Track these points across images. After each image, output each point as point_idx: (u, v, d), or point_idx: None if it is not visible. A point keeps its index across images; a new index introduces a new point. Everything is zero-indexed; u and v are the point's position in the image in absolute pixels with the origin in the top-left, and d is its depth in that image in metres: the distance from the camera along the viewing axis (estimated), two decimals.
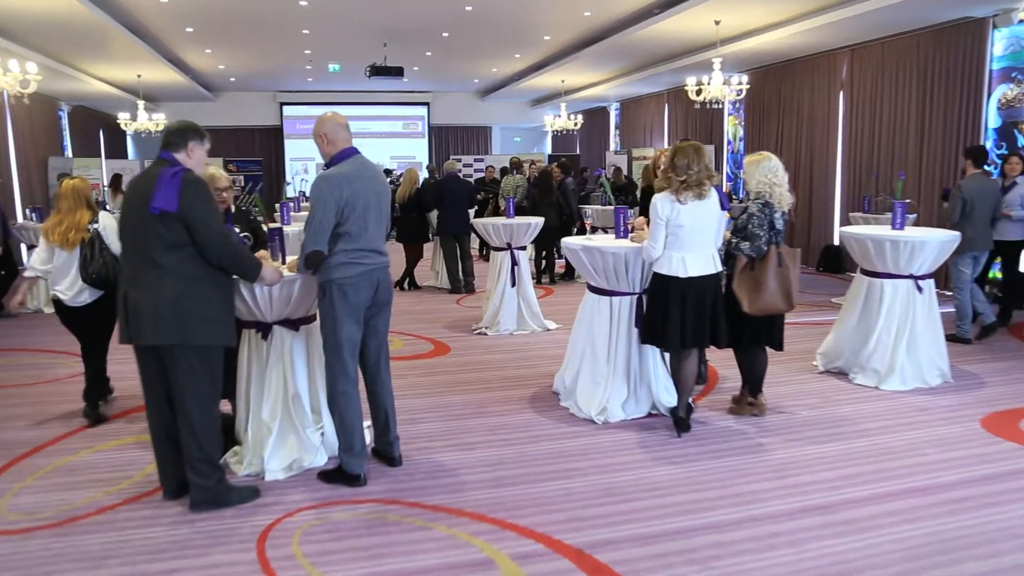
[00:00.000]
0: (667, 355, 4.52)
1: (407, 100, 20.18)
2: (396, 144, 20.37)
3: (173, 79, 14.48)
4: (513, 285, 6.96)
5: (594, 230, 10.33)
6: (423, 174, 17.74)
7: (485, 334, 7.00)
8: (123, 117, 13.80)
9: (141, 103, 13.68)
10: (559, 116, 16.27)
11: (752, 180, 4.38)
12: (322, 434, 3.96)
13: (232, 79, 16.88)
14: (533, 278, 7.88)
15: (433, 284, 9.97)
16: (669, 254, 4.10)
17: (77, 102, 15.49)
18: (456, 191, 9.20)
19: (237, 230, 4.23)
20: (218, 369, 3.34)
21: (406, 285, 9.77)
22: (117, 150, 18.75)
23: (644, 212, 10.04)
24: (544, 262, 10.12)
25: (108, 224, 4.45)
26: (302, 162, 19.87)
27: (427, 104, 20.41)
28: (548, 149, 23.16)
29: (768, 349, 4.51)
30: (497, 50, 13.66)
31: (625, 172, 16.12)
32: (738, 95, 9.86)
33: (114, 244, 4.35)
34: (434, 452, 4.10)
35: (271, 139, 20.04)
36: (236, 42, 12.47)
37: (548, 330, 7.14)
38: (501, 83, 17.93)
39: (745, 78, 9.70)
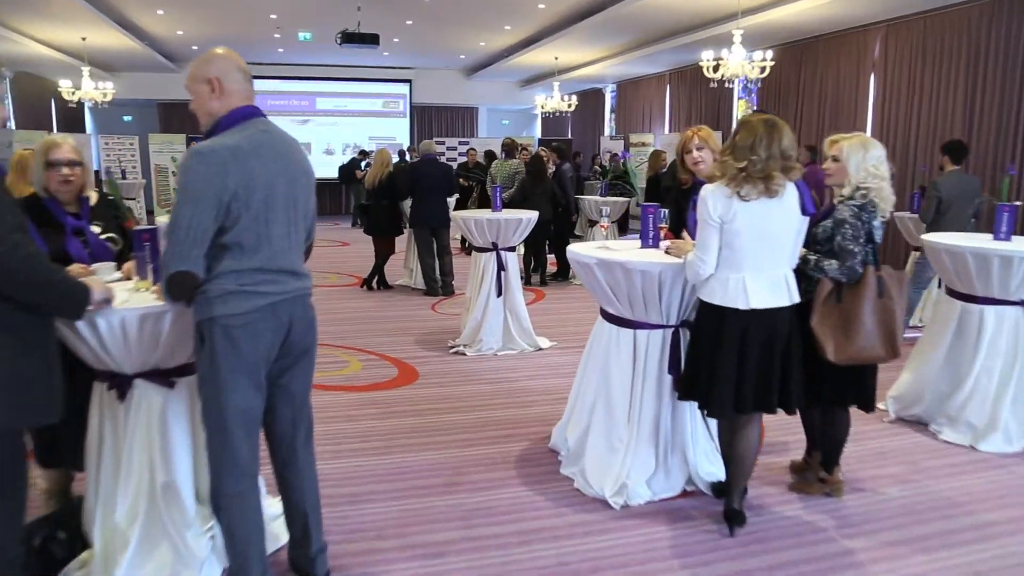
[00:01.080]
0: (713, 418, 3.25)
1: (387, 76, 18.74)
2: (375, 124, 18.94)
3: (125, 45, 12.98)
4: (499, 295, 5.67)
5: (593, 224, 9.06)
6: (397, 157, 16.47)
7: (464, 354, 5.72)
8: (65, 85, 12.30)
9: (86, 70, 12.19)
10: (551, 97, 14.93)
11: (851, 170, 3.10)
12: (212, 538, 2.66)
13: (194, 47, 15.35)
14: (521, 278, 6.65)
15: (406, 283, 8.67)
16: (724, 275, 2.84)
17: (19, 68, 13.96)
18: (433, 176, 7.89)
19: (97, 231, 2.91)
20: (6, 460, 2.03)
21: (375, 284, 8.46)
22: (74, 123, 17.19)
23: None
24: (534, 260, 8.85)
25: None
26: None
27: (409, 82, 18.98)
28: (538, 133, 21.82)
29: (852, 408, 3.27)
30: (485, 20, 12.28)
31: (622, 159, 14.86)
32: (761, 73, 8.60)
33: None
34: (382, 562, 2.82)
35: None
36: (192, 2, 11.02)
37: (540, 349, 5.87)
38: (489, 59, 16.53)
39: (770, 54, 8.45)
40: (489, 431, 4.16)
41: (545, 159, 8.91)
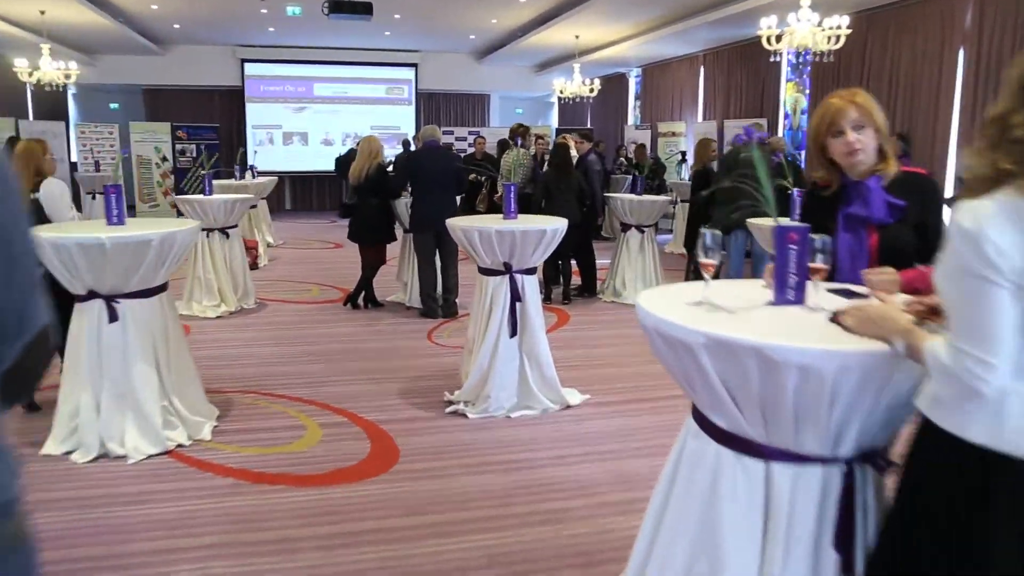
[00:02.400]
0: None
1: (391, 60, 17.19)
2: (378, 112, 17.42)
3: (93, 21, 11.52)
4: (514, 334, 4.14)
5: (625, 228, 7.50)
6: (390, 148, 14.89)
7: (465, 415, 4.20)
8: (20, 65, 10.86)
9: (46, 47, 10.75)
10: (571, 81, 13.35)
11: None
12: None
13: (176, 26, 13.90)
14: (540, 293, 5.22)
15: (399, 300, 7.16)
16: (1017, 388, 1.30)
17: None
18: (436, 168, 6.38)
19: None
20: None
21: (361, 302, 6.96)
22: (55, 110, 15.73)
23: (695, 217, 7.26)
24: (555, 270, 7.32)
25: (52, 192, 4.03)
26: (265, 130, 16.92)
27: (415, 66, 17.43)
28: (554, 122, 20.23)
29: None
30: None
31: (650, 151, 13.29)
32: (835, 43, 7.00)
33: (60, 214, 4.00)
34: None
35: (232, 102, 17.06)
36: None
37: (569, 407, 4.35)
38: (502, 40, 14.96)
39: (846, 20, 6.85)
40: (506, 572, 2.64)
41: (573, 148, 7.37)
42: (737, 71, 12.30)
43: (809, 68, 10.66)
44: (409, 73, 17.49)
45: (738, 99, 12.32)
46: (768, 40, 7.30)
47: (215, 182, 9.12)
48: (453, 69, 17.76)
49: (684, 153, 13.37)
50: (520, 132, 7.55)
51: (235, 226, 6.86)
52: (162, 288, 3.79)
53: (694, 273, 7.75)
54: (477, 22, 13.29)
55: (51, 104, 15.66)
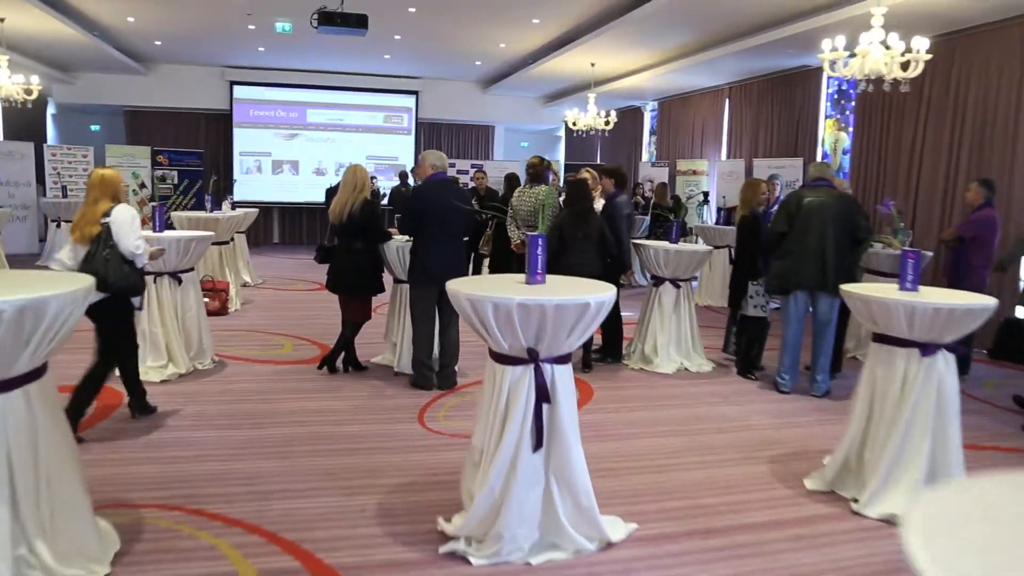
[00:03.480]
0: None
1: (390, 87, 16.18)
2: (375, 141, 16.37)
3: (61, 32, 10.47)
4: (538, 447, 2.92)
5: (658, 282, 6.32)
6: (387, 180, 13.83)
7: (467, 559, 2.96)
8: None
9: (4, 58, 9.65)
10: (585, 112, 12.29)
11: None
12: None
13: (157, 43, 12.86)
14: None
15: (387, 363, 5.95)
16: None
17: None
18: (446, 208, 5.19)
19: None
20: None
21: (340, 365, 5.75)
22: (32, 130, 14.55)
23: (741, 271, 6.10)
24: None
25: (120, 218, 4.05)
26: (254, 157, 15.82)
27: (415, 93, 16.42)
28: (561, 157, 19.21)
29: None
30: (509, 9, 9.70)
31: (671, 190, 12.20)
32: (909, 69, 5.90)
33: (126, 240, 4.02)
34: None
35: (219, 127, 15.99)
36: None
37: (611, 545, 3.12)
38: (510, 67, 13.95)
39: (925, 44, 5.77)
40: None
41: (592, 185, 6.23)
42: (767, 105, 11.25)
43: (853, 104, 9.60)
44: (409, 101, 16.47)
45: (768, 136, 11.26)
46: (836, 64, 6.19)
47: (181, 215, 7.99)
48: (456, 98, 16.76)
49: (707, 194, 12.28)
50: (546, 166, 6.38)
51: (190, 270, 5.66)
52: (29, 377, 2.58)
53: (735, 343, 6.58)
54: (484, 46, 12.28)
55: (26, 123, 14.55)
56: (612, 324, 6.32)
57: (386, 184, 15.27)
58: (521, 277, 3.30)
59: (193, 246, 5.52)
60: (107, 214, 4.04)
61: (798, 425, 4.93)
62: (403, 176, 13.93)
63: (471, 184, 9.85)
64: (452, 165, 16.19)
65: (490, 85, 16.18)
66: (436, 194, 5.22)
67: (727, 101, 12.43)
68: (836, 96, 10.03)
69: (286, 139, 15.92)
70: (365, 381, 5.54)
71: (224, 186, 14.46)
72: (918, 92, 8.43)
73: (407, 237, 5.48)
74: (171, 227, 7.85)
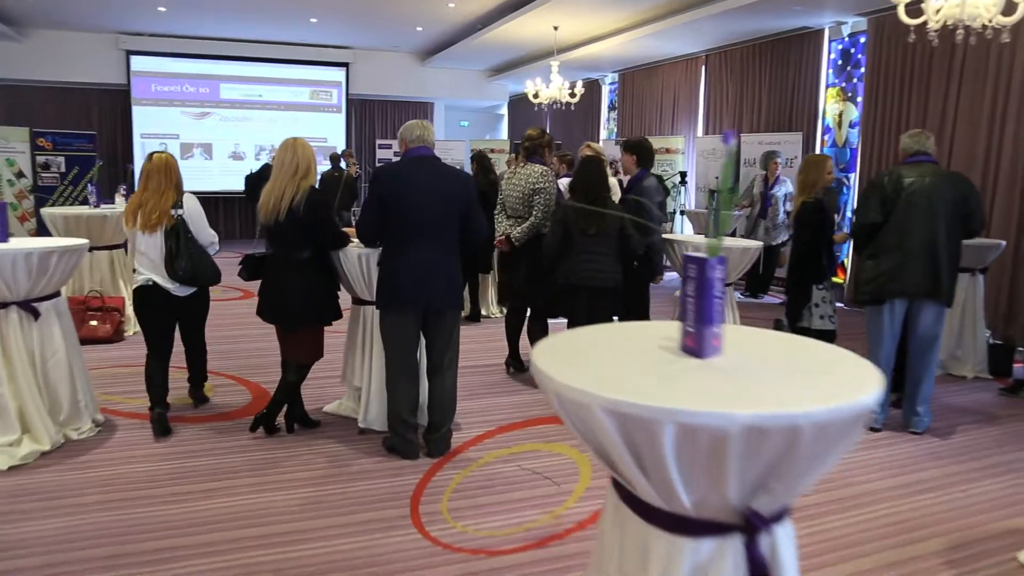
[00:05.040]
0: None
1: (317, 58, 14.25)
2: (300, 120, 14.41)
3: None
4: None
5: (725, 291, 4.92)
6: (333, 164, 11.92)
7: None
8: None
9: None
10: (548, 83, 10.76)
11: None
12: None
13: (33, 1, 10.62)
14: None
15: (346, 414, 4.33)
16: None
17: None
18: (431, 196, 3.62)
19: None
20: None
21: (282, 422, 4.10)
22: None
23: (802, 272, 4.79)
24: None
25: (194, 209, 4.00)
26: (158, 140, 13.65)
27: (345, 66, 14.53)
28: (505, 137, 17.65)
29: None
30: None
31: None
32: (1018, 12, 4.64)
33: (205, 231, 4.05)
34: None
35: (115, 104, 13.72)
36: None
37: None
38: (459, 32, 12.27)
39: None
40: None
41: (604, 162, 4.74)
42: (754, 74, 9.99)
43: (862, 70, 8.40)
44: (339, 74, 14.57)
45: (755, 108, 10.00)
46: (903, 13, 4.81)
47: (55, 212, 6.11)
48: (391, 71, 14.96)
49: (684, 174, 10.97)
50: (539, 142, 4.80)
51: (54, 295, 3.90)
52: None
53: None
54: (430, 6, 10.57)
55: None
56: None
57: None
58: (637, 335, 1.79)
59: (55, 262, 3.75)
60: (177, 205, 3.93)
61: (927, 486, 3.59)
62: (334, 159, 12.11)
63: None
64: (388, 147, 14.45)
65: (430, 57, 14.46)
66: (410, 176, 3.62)
67: (703, 69, 11.13)
68: (840, 62, 8.82)
69: (196, 118, 13.80)
70: (320, 447, 3.91)
71: (123, 173, 12.32)
72: (948, 51, 7.27)
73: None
74: (45, 231, 5.98)
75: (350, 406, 4.33)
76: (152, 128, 13.55)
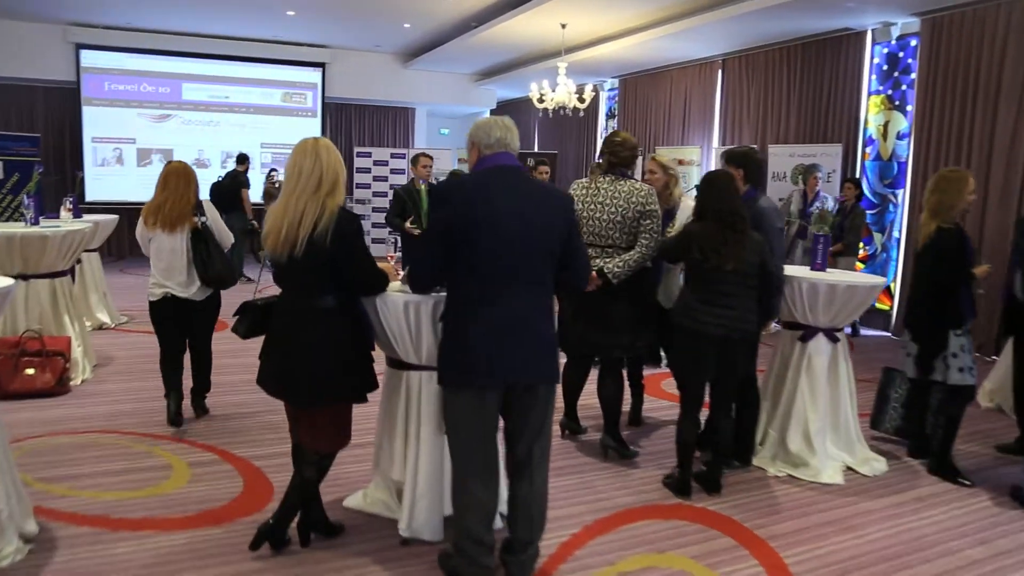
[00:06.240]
0: None
1: (290, 57, 13.05)
2: (272, 125, 13.18)
3: None
4: None
5: (808, 334, 3.92)
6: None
7: None
8: None
9: None
10: (556, 87, 9.75)
11: None
12: None
13: None
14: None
15: (383, 513, 3.19)
16: None
17: None
18: (517, 219, 2.50)
19: None
20: None
21: (295, 531, 2.97)
22: None
23: (937, 294, 3.88)
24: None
25: (216, 216, 4.23)
26: (112, 144, 12.29)
27: (321, 66, 13.36)
28: None
29: None
30: None
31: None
32: None
33: (226, 235, 4.26)
34: None
35: (63, 104, 12.31)
36: None
37: None
38: (451, 31, 11.20)
39: None
40: None
41: (659, 181, 3.73)
42: (781, 80, 9.14)
43: (913, 76, 7.58)
44: (314, 75, 13.37)
45: (782, 117, 9.15)
46: None
47: None
48: (371, 73, 13.82)
49: (699, 187, 10.06)
50: (626, 153, 3.71)
51: None
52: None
53: (906, 418, 4.35)
54: (418, 3, 9.49)
55: None
56: (742, 407, 3.86)
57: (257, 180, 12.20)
58: None
59: None
60: (198, 210, 4.11)
61: None
62: (236, 160, 10.92)
63: (405, 180, 7.05)
64: (367, 155, 13.29)
65: (413, 58, 13.37)
66: (494, 195, 2.53)
67: (719, 74, 10.26)
68: (885, 67, 7.99)
69: (155, 121, 12.47)
70: (349, 568, 2.80)
71: (72, 181, 10.96)
72: (1020, 55, 6.48)
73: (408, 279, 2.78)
74: None
75: (381, 499, 3.22)
76: (105, 131, 12.17)
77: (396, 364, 3.00)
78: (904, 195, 7.80)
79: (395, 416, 2.99)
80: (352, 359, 2.78)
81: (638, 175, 4.56)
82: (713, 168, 10.17)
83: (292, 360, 2.73)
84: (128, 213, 11.16)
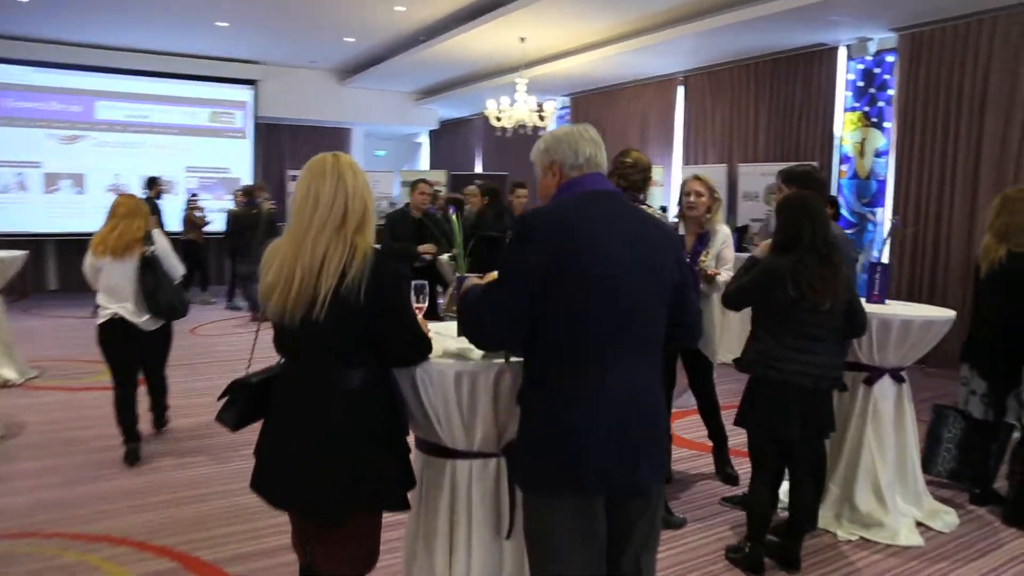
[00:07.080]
0: None
1: (219, 74, 12.07)
2: (197, 146, 12.15)
3: None
4: None
5: (872, 376, 3.43)
6: (214, 202, 9.61)
7: None
8: None
9: None
10: (513, 103, 9.19)
11: None
12: None
13: None
14: None
15: None
16: None
17: None
18: (629, 264, 1.89)
19: None
20: None
21: None
22: None
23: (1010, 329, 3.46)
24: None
25: (164, 244, 4.20)
26: (15, 169, 11.02)
27: (253, 84, 12.44)
28: (426, 166, 15.97)
29: None
30: None
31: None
32: None
33: (177, 265, 4.24)
34: None
35: None
36: None
37: None
38: (396, 45, 10.52)
39: None
40: None
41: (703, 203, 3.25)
42: (748, 97, 8.87)
43: (890, 92, 7.38)
44: (244, 93, 12.43)
45: (750, 135, 8.86)
46: None
47: None
48: (305, 91, 12.99)
49: (664, 208, 9.66)
50: (643, 171, 3.13)
51: None
52: None
53: (978, 485, 3.89)
54: (371, 11, 8.80)
55: None
56: (819, 479, 3.32)
57: (216, 207, 11.21)
58: None
59: None
60: (147, 239, 4.09)
61: None
62: (249, 192, 10.09)
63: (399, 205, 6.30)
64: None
65: (351, 75, 12.62)
66: (596, 229, 1.89)
67: (680, 91, 9.94)
68: (861, 83, 7.78)
69: (65, 143, 11.25)
70: None
71: None
72: (1012, 70, 6.32)
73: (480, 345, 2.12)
74: None
75: None
76: (6, 154, 10.88)
77: (436, 451, 2.30)
78: (883, 214, 7.58)
79: (435, 519, 2.29)
80: (386, 454, 2.07)
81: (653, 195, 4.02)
82: (680, 184, 9.83)
83: (306, 461, 2.01)
84: (34, 245, 9.96)
